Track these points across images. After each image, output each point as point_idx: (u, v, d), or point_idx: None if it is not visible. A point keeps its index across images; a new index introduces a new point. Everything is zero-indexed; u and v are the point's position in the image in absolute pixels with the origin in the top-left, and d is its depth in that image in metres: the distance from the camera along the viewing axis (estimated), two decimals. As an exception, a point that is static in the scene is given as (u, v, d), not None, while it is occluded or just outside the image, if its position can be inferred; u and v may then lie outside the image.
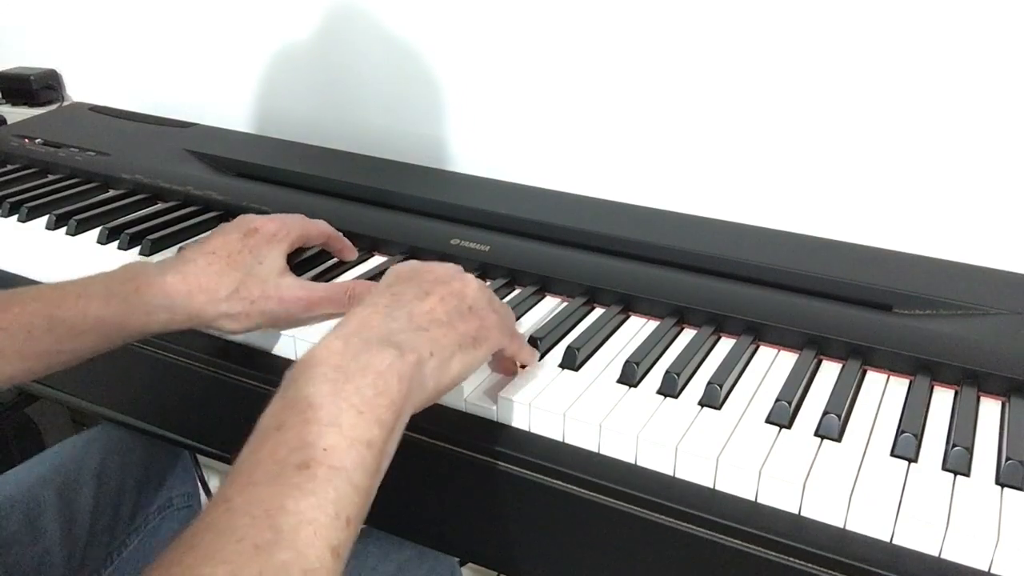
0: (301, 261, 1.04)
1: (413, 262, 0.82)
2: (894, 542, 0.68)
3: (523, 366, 0.86)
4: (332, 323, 0.92)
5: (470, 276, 0.79)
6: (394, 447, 0.66)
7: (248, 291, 0.89)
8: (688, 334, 0.93)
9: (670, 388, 0.83)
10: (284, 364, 0.92)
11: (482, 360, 0.76)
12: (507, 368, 0.85)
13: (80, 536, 1.08)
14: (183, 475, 1.26)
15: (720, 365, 0.85)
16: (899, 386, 0.85)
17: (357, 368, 0.66)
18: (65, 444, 1.15)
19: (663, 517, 0.73)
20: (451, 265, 0.81)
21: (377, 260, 1.08)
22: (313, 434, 0.61)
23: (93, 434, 1.17)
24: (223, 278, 0.88)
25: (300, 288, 0.91)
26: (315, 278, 1.02)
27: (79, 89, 1.77)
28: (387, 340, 0.69)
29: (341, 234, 1.05)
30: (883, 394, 0.83)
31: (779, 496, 0.71)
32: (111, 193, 1.31)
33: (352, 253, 1.07)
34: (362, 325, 0.70)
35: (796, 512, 0.71)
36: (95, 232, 1.16)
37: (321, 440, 0.60)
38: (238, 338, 0.95)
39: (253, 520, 0.56)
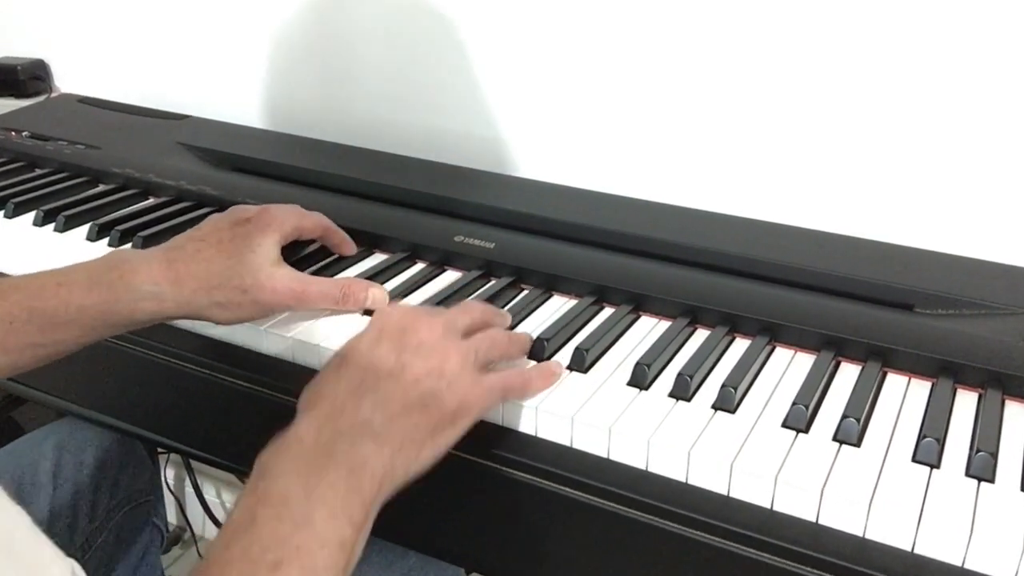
0: (299, 258, 1.04)
1: (401, 314, 0.79)
2: (916, 551, 0.68)
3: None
4: (330, 321, 0.93)
5: (454, 345, 0.77)
6: (363, 543, 0.67)
7: (240, 280, 0.89)
8: (701, 335, 0.93)
9: (682, 391, 0.83)
10: (270, 361, 0.93)
11: (458, 436, 0.75)
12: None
13: None
14: (139, 469, 1.26)
15: (734, 367, 0.85)
16: (921, 389, 0.85)
17: (330, 465, 0.67)
18: (18, 444, 1.15)
19: (675, 525, 0.73)
20: (438, 323, 0.78)
21: (378, 257, 1.08)
22: (285, 532, 0.62)
23: (43, 433, 1.17)
24: (213, 265, 0.88)
25: (294, 279, 0.91)
26: (315, 274, 1.01)
27: (68, 80, 1.77)
28: (359, 431, 0.69)
29: (337, 227, 1.05)
30: (904, 397, 0.83)
31: (796, 504, 0.71)
32: (101, 188, 1.31)
33: (351, 248, 1.07)
34: (334, 409, 0.71)
35: (814, 520, 0.71)
36: (84, 229, 1.17)
37: (293, 539, 0.62)
38: (220, 332, 0.95)
39: None
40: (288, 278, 0.91)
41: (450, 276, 1.05)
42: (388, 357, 0.75)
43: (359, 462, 0.67)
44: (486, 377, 0.78)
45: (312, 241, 1.05)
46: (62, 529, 1.11)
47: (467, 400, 0.75)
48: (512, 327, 0.93)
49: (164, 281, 0.87)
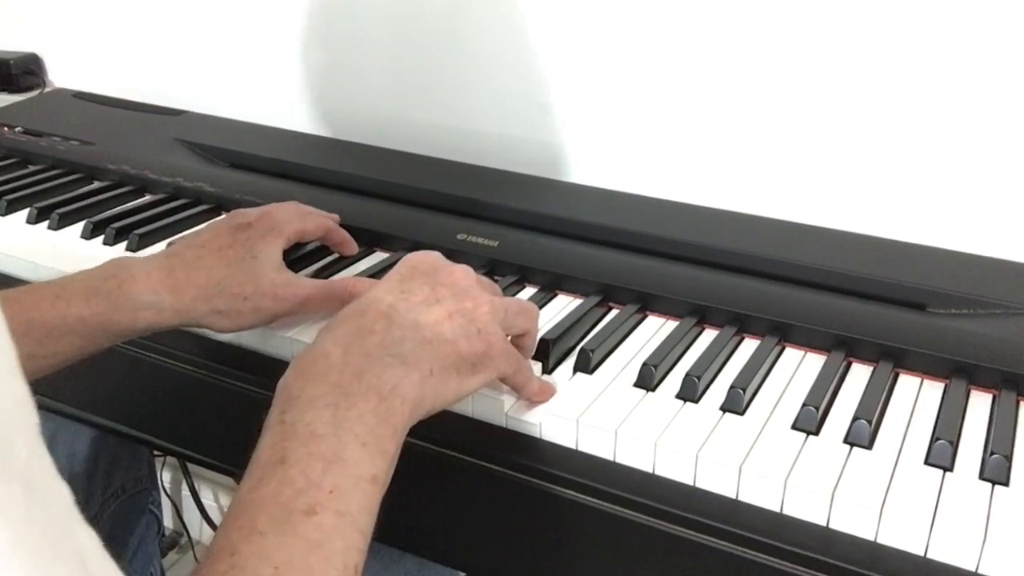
0: (298, 257, 1.04)
1: (432, 255, 0.80)
2: (928, 556, 0.68)
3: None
4: (328, 320, 0.93)
5: (486, 295, 0.77)
6: (391, 473, 0.66)
7: (241, 287, 0.88)
8: (709, 335, 0.94)
9: (690, 392, 0.83)
10: (270, 363, 0.93)
11: (477, 388, 0.75)
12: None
13: None
14: (135, 458, 1.26)
15: (743, 368, 0.86)
16: (934, 390, 0.85)
17: (360, 390, 0.66)
18: None
19: (682, 529, 0.73)
20: (470, 272, 0.79)
21: (379, 256, 1.09)
22: (317, 471, 0.61)
23: None
24: (213, 273, 0.88)
25: (297, 285, 0.91)
26: (314, 275, 1.02)
27: (62, 74, 1.77)
28: (389, 352, 0.69)
29: (340, 228, 1.05)
30: (916, 399, 0.83)
31: (806, 507, 0.71)
32: (96, 185, 1.31)
33: (352, 247, 1.07)
34: (363, 327, 0.70)
35: (824, 524, 0.71)
36: (79, 226, 1.17)
37: (326, 479, 0.61)
38: (228, 337, 0.95)
39: None
40: (290, 283, 0.91)
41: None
42: (422, 288, 0.75)
43: (388, 388, 0.66)
44: (509, 343, 0.78)
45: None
46: None
47: (492, 351, 0.75)
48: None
49: (163, 290, 0.87)
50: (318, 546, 0.58)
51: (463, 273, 0.78)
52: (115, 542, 1.20)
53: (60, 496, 0.42)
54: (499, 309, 0.77)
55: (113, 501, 1.20)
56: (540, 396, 0.82)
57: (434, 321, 0.73)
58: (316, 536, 0.58)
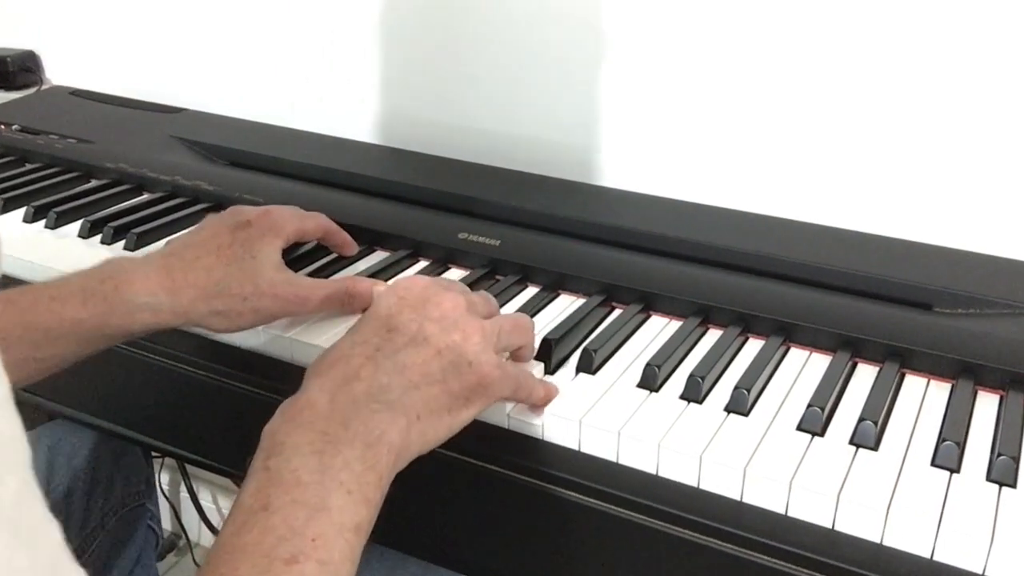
0: (298, 256, 1.04)
1: (422, 283, 0.78)
2: (935, 558, 0.68)
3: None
4: (331, 321, 0.93)
5: (476, 323, 0.76)
6: (373, 522, 0.66)
7: (240, 287, 0.88)
8: (713, 335, 0.94)
9: (694, 393, 0.83)
10: (270, 363, 0.93)
11: (472, 417, 0.74)
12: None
13: None
14: (134, 471, 1.26)
15: (748, 368, 0.86)
16: (940, 391, 0.85)
17: (346, 438, 0.65)
18: None
19: (685, 531, 0.73)
20: (461, 300, 0.77)
21: (379, 255, 1.09)
22: (301, 520, 0.61)
23: (33, 436, 1.17)
24: (212, 273, 0.88)
25: (296, 285, 0.91)
26: (313, 275, 1.02)
27: (59, 72, 1.77)
28: (376, 399, 0.68)
29: (340, 228, 1.05)
30: (923, 399, 0.84)
31: (811, 509, 0.71)
32: (94, 183, 1.31)
33: (352, 248, 1.07)
34: (349, 373, 0.70)
35: (829, 526, 0.71)
36: (76, 225, 1.17)
37: (309, 528, 0.61)
38: (227, 338, 0.95)
39: None
40: (290, 283, 0.91)
41: (454, 275, 1.05)
42: (409, 325, 0.74)
43: (375, 435, 0.66)
44: (504, 363, 0.77)
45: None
46: None
47: (486, 380, 0.74)
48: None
49: (161, 291, 0.86)
50: None
51: (452, 303, 0.76)
52: (115, 557, 1.20)
53: (48, 537, 0.42)
54: (491, 334, 0.77)
55: (112, 515, 1.20)
56: (544, 402, 0.82)
57: (421, 362, 0.72)
58: None
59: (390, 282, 0.96)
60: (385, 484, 0.66)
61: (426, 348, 0.73)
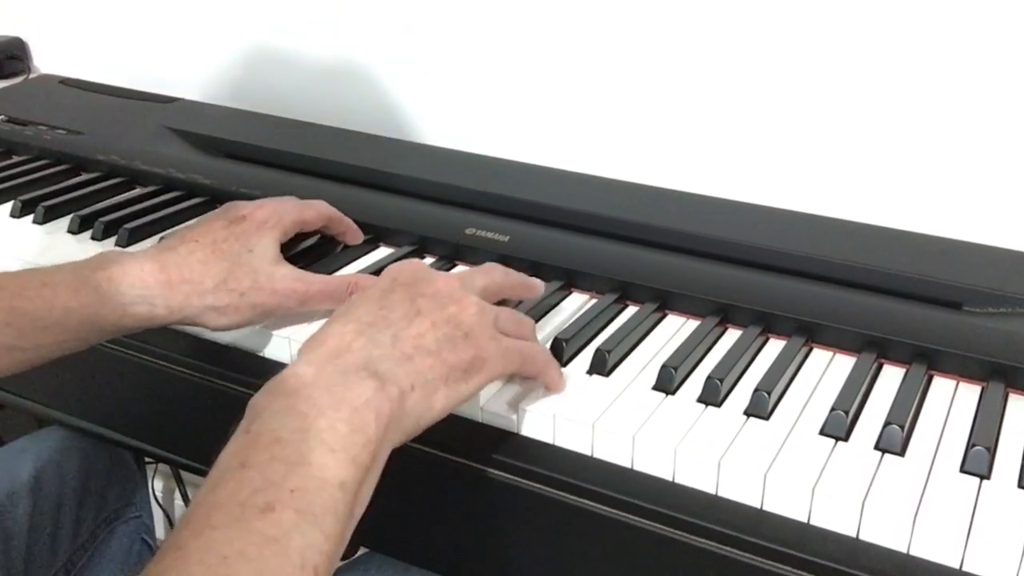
0: (297, 252, 1.04)
1: (415, 265, 0.81)
2: (964, 569, 0.68)
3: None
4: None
5: (472, 298, 0.78)
6: (370, 491, 0.66)
7: (237, 282, 0.89)
8: (732, 335, 0.94)
9: (712, 396, 0.83)
10: (267, 364, 0.93)
11: (472, 393, 0.75)
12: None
13: (17, 558, 1.07)
14: (127, 482, 1.27)
15: (768, 370, 0.86)
16: (970, 393, 0.85)
17: (330, 401, 0.66)
18: None
19: (703, 540, 0.73)
20: (454, 278, 0.79)
21: (383, 252, 1.09)
22: (279, 473, 0.61)
23: (22, 444, 1.17)
24: (208, 267, 0.89)
25: (295, 279, 0.91)
26: (314, 270, 1.02)
27: (48, 60, 1.78)
28: (366, 368, 0.69)
29: (343, 215, 1.06)
30: (952, 402, 0.84)
31: (834, 517, 0.71)
32: (84, 177, 1.32)
33: (357, 235, 1.08)
34: (340, 347, 0.71)
35: (854, 536, 0.71)
36: (65, 220, 1.17)
37: (288, 480, 0.61)
38: (223, 336, 0.95)
39: (207, 569, 0.56)
40: (289, 278, 0.91)
41: (461, 271, 1.05)
42: (402, 302, 0.75)
43: (362, 400, 0.66)
44: (505, 338, 0.78)
45: (312, 233, 1.06)
46: (43, 548, 1.11)
47: (483, 354, 0.75)
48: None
49: (155, 285, 0.87)
50: (274, 541, 0.58)
51: (445, 281, 0.78)
52: (106, 573, 1.20)
53: None
54: (488, 310, 0.78)
55: (105, 528, 1.21)
56: (560, 383, 0.83)
57: (415, 335, 0.73)
58: (273, 532, 0.58)
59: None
60: (376, 449, 0.66)
61: (420, 321, 0.74)
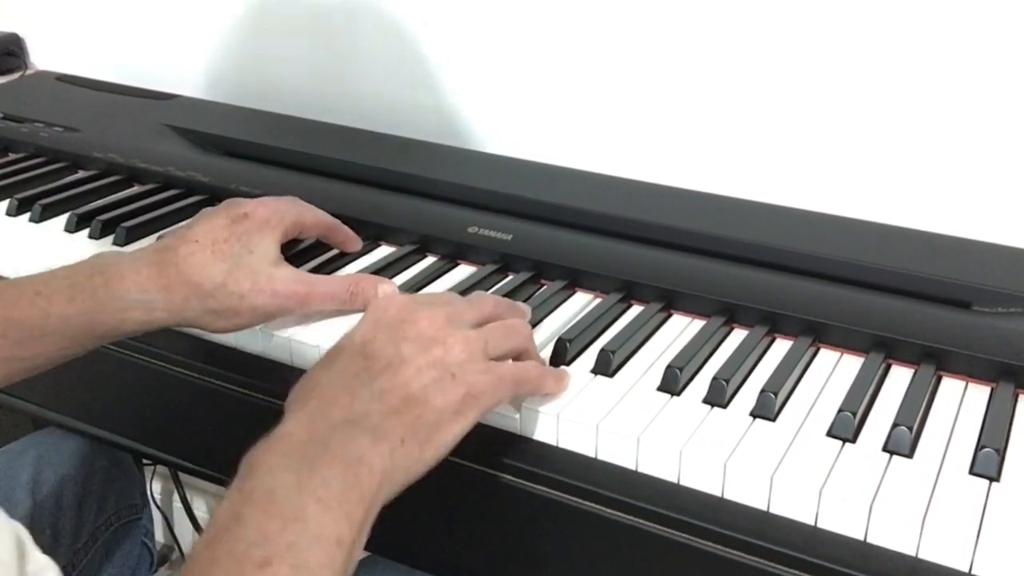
0: (297, 252, 1.04)
1: (399, 302, 0.79)
2: (973, 572, 0.68)
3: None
4: (332, 321, 0.94)
5: (458, 334, 0.76)
6: (362, 545, 0.66)
7: (237, 284, 0.88)
8: (739, 335, 0.94)
9: (718, 397, 0.83)
10: (268, 366, 0.93)
11: (466, 429, 0.74)
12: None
13: None
14: (126, 484, 1.27)
15: (775, 370, 0.86)
16: (979, 394, 0.85)
17: (324, 459, 0.66)
18: None
19: (708, 543, 0.73)
20: (440, 314, 0.77)
21: (384, 251, 1.09)
22: (274, 528, 0.61)
23: (21, 445, 1.17)
24: (208, 269, 0.88)
25: (297, 281, 0.91)
26: (315, 271, 1.02)
27: (45, 56, 1.78)
28: (357, 425, 0.69)
29: (342, 224, 1.05)
30: (961, 403, 0.84)
31: (842, 520, 0.71)
32: (81, 174, 1.32)
33: (355, 244, 1.07)
34: (327, 403, 0.70)
35: (862, 539, 0.71)
36: (63, 219, 1.17)
37: (284, 535, 0.61)
38: (222, 339, 0.95)
39: None
40: (290, 279, 0.91)
41: (463, 271, 1.06)
42: (385, 349, 0.74)
43: (355, 457, 0.66)
44: (496, 365, 0.77)
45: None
46: (42, 549, 1.11)
47: (474, 390, 0.74)
48: (532, 326, 0.91)
49: (153, 288, 0.87)
50: None
51: (428, 320, 0.76)
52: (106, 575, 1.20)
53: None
54: (476, 341, 0.77)
55: (105, 530, 1.20)
56: (559, 386, 0.83)
57: (401, 384, 0.72)
58: None
59: (388, 288, 0.95)
60: (370, 505, 0.66)
61: (405, 369, 0.73)
